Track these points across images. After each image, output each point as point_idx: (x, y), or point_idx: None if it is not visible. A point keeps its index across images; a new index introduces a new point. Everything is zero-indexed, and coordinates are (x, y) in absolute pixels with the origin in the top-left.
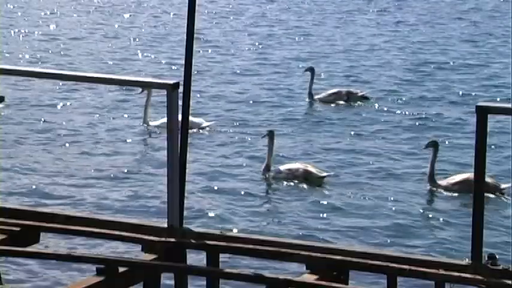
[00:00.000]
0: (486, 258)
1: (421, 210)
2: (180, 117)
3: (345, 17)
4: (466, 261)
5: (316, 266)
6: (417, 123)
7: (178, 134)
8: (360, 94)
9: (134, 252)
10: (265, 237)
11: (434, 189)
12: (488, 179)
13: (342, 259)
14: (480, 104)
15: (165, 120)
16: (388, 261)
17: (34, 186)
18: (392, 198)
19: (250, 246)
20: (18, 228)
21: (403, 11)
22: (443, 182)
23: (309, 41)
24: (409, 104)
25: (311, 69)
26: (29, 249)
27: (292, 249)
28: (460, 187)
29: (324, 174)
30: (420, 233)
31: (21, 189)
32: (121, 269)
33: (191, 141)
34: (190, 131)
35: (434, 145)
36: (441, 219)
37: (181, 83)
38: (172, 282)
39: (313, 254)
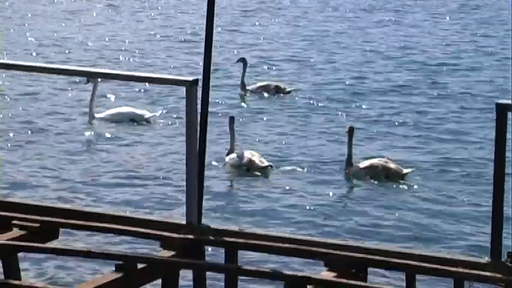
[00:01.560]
0: (506, 256)
1: (338, 194)
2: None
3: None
4: (486, 259)
5: (335, 263)
6: (340, 114)
7: (197, 131)
8: (288, 89)
9: (153, 249)
10: (283, 235)
11: (348, 172)
12: (391, 165)
13: (360, 256)
14: (500, 101)
15: (110, 112)
16: (407, 259)
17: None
18: (317, 183)
19: (269, 243)
20: (37, 225)
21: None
22: (355, 167)
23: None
24: (333, 98)
25: (243, 60)
26: (48, 245)
27: (310, 247)
28: (367, 172)
29: (266, 164)
30: (336, 217)
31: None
32: (139, 266)
33: (139, 133)
34: (134, 123)
35: (350, 130)
36: (351, 203)
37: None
38: (190, 278)
39: (332, 252)
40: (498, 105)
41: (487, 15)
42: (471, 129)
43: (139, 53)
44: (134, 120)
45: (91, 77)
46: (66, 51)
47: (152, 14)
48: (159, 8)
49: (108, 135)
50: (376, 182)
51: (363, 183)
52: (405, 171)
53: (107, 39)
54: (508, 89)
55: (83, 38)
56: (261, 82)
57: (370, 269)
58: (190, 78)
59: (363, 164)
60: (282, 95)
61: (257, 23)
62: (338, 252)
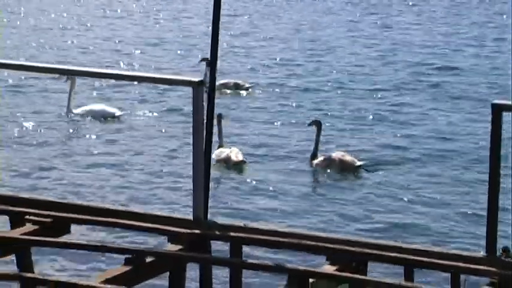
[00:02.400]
0: (500, 251)
1: (303, 186)
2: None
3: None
4: (481, 254)
5: (336, 257)
6: (301, 109)
7: (204, 130)
8: (247, 86)
9: (161, 243)
10: (286, 230)
11: (312, 165)
12: (347, 157)
13: (361, 251)
14: (495, 101)
15: (87, 108)
16: (405, 253)
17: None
18: (286, 175)
19: (272, 238)
20: (50, 220)
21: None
22: (315, 160)
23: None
24: (290, 93)
25: (205, 60)
26: (60, 239)
27: (312, 241)
28: (325, 164)
29: (240, 159)
30: (304, 210)
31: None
32: (148, 259)
33: (110, 127)
34: (103, 119)
35: (317, 124)
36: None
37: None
38: (197, 272)
39: (333, 246)
40: (494, 105)
41: (480, 17)
42: (456, 125)
43: (147, 55)
44: (105, 117)
45: (98, 77)
46: (76, 54)
47: (159, 17)
48: (165, 11)
49: (85, 129)
50: (333, 174)
51: (322, 175)
52: (358, 163)
53: (115, 41)
54: (497, 89)
55: (89, 40)
56: (221, 80)
57: (370, 263)
58: (196, 79)
59: (322, 156)
60: (241, 91)
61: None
62: (339, 246)
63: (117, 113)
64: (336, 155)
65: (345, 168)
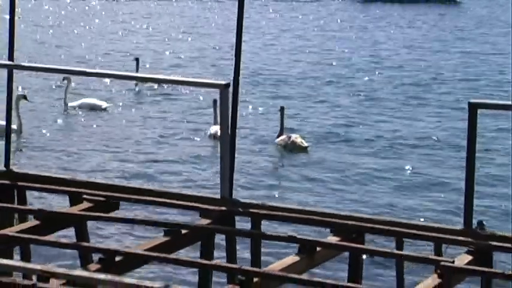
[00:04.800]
0: (476, 224)
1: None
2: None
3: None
4: (460, 227)
5: (339, 229)
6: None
7: (229, 124)
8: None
9: (194, 218)
10: (297, 207)
11: (275, 143)
12: (298, 139)
13: (359, 224)
14: (471, 100)
15: (77, 102)
16: (396, 226)
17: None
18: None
19: (287, 214)
20: (103, 199)
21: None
22: (277, 139)
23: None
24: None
25: (137, 59)
26: (111, 215)
27: (319, 217)
28: (281, 144)
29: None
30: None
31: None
32: (183, 231)
33: (96, 119)
34: (94, 111)
35: (281, 109)
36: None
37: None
38: (224, 242)
39: (337, 221)
40: (470, 104)
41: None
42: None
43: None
44: (95, 108)
45: (132, 80)
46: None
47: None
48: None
49: (79, 119)
50: (287, 151)
51: (280, 151)
52: (306, 144)
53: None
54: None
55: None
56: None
57: (367, 234)
58: (223, 82)
59: (282, 136)
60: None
61: None
62: (341, 221)
63: (104, 105)
64: (291, 136)
65: (295, 148)
